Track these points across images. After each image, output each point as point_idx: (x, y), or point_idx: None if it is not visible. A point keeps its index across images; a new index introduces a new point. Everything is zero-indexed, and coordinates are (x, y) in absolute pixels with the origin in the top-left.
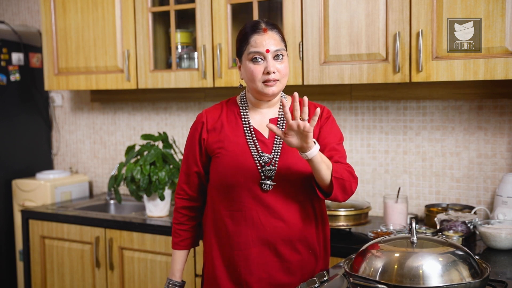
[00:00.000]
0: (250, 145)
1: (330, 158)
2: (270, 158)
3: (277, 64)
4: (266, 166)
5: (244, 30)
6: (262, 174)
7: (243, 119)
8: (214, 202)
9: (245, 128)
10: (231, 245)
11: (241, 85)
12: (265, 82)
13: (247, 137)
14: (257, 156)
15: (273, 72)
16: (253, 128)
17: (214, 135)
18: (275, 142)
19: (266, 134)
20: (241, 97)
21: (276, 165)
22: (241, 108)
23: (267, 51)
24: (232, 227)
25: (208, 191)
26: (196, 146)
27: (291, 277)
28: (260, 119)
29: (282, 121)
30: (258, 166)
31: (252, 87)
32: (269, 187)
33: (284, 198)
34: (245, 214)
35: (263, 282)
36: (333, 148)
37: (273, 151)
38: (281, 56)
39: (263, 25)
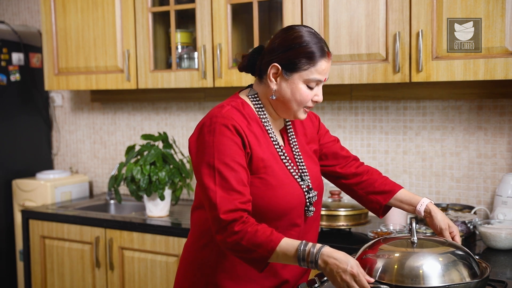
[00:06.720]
0: (288, 166)
1: (347, 163)
2: (309, 181)
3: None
4: (309, 191)
5: (309, 47)
6: (307, 200)
7: (269, 133)
8: None
9: (275, 145)
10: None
11: (273, 96)
12: (305, 107)
13: (279, 153)
14: (299, 179)
15: None
16: (283, 147)
17: (255, 149)
18: (296, 160)
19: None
20: (256, 106)
21: (311, 186)
22: (262, 121)
23: (324, 80)
24: None
25: None
26: (242, 157)
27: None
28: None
29: (290, 131)
30: (304, 190)
31: (289, 106)
32: (311, 214)
33: (312, 222)
34: None
35: None
36: (341, 152)
37: (300, 170)
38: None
39: (326, 49)
